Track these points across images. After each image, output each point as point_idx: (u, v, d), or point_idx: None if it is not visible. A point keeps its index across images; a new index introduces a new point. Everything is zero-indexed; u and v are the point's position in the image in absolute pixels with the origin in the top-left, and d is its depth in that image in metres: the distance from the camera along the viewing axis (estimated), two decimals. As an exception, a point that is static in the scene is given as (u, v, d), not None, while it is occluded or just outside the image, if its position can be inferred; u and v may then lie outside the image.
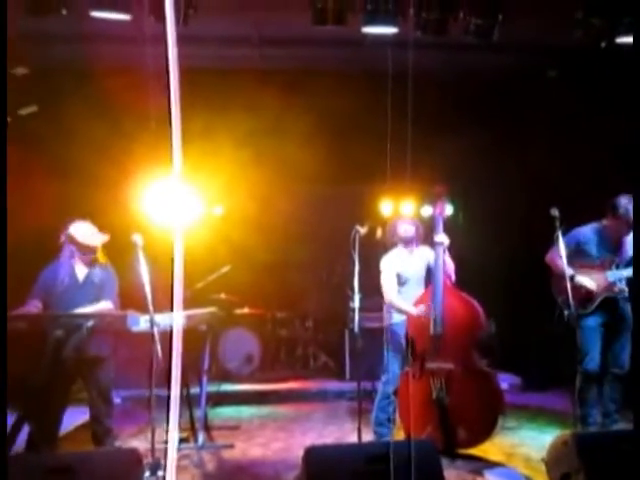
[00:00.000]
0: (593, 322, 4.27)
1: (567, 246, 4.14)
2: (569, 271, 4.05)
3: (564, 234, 4.03)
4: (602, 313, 4.27)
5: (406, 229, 4.53)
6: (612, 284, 4.21)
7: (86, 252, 4.01)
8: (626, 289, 4.22)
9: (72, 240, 3.97)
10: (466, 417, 4.03)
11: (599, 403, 4.32)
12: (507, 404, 4.66)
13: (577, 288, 4.17)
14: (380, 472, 2.71)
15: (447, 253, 4.34)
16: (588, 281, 4.24)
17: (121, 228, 4.24)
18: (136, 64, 4.55)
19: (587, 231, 4.38)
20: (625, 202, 4.14)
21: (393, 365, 4.42)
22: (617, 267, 4.22)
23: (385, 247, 4.71)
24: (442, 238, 4.29)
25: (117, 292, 4.16)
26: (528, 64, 6.10)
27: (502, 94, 6.53)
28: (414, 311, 4.25)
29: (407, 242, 4.54)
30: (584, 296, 4.24)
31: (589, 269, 4.27)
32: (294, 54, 6.11)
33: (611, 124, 5.34)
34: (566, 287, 4.00)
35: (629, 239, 4.21)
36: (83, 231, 3.99)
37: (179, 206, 1.51)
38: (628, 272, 4.18)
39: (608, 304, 4.24)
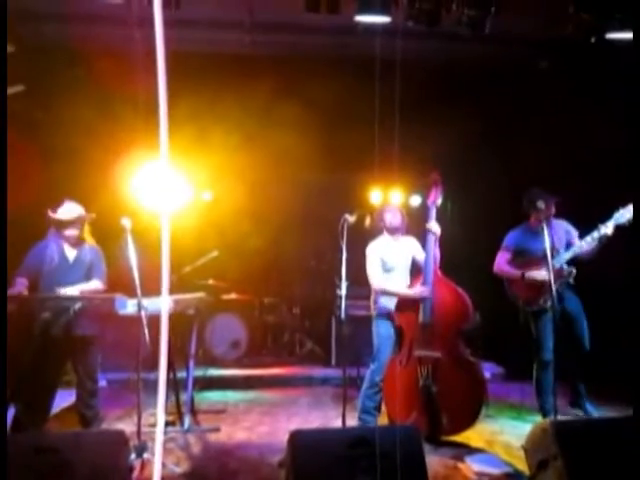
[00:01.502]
0: (547, 316, 4.53)
1: (508, 250, 4.74)
2: (517, 272, 4.58)
3: (549, 226, 4.23)
4: (555, 308, 4.39)
5: (393, 217, 4.56)
6: (560, 269, 4.46)
7: (59, 228, 3.99)
8: (573, 270, 4.50)
9: (49, 220, 3.98)
10: (451, 405, 4.09)
11: (554, 392, 4.36)
12: (489, 393, 4.74)
13: (531, 286, 4.53)
14: (363, 456, 2.77)
15: (436, 243, 4.37)
16: (538, 274, 4.47)
17: (110, 211, 4.24)
18: (127, 46, 4.52)
19: (520, 232, 4.79)
20: (536, 193, 4.56)
21: (383, 354, 4.46)
22: (558, 253, 4.51)
23: (373, 234, 4.74)
24: (435, 226, 4.32)
25: (105, 272, 4.17)
26: (519, 55, 6.11)
27: (492, 85, 6.54)
28: (411, 292, 4.30)
29: (393, 230, 4.57)
30: (540, 292, 4.50)
31: (535, 264, 4.54)
32: (286, 40, 6.06)
33: (601, 117, 5.39)
34: (520, 288, 4.60)
35: (555, 224, 4.58)
36: (61, 209, 4.00)
37: (167, 190, 1.51)
38: (568, 254, 4.52)
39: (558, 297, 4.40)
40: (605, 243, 4.40)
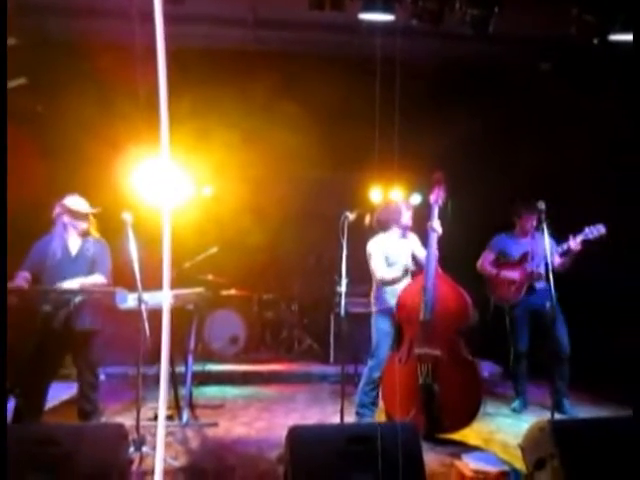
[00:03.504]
0: (521, 311, 5.02)
1: (492, 250, 5.21)
2: (494, 270, 5.10)
3: (549, 227, 4.31)
4: (528, 305, 4.96)
5: (410, 216, 4.60)
6: (530, 272, 4.92)
7: (78, 219, 4.03)
8: (543, 274, 4.86)
9: (65, 208, 4.00)
10: (450, 403, 4.11)
11: (526, 377, 5.13)
12: (487, 391, 4.76)
13: (505, 284, 5.03)
14: (362, 452, 2.78)
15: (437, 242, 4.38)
16: (510, 273, 5.03)
17: (111, 206, 4.24)
18: (130, 41, 4.51)
19: (504, 237, 5.23)
20: (519, 205, 5.08)
21: (382, 351, 4.47)
22: (532, 259, 4.95)
23: (373, 231, 4.74)
24: (437, 225, 4.33)
25: (110, 267, 4.17)
26: (521, 56, 6.11)
27: (493, 85, 6.53)
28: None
29: (405, 227, 4.59)
30: (513, 290, 5.01)
31: (511, 265, 5.08)
32: (289, 37, 6.06)
33: (602, 119, 5.40)
34: (495, 285, 5.10)
35: (538, 237, 4.88)
36: (75, 200, 4.05)
37: (167, 186, 1.52)
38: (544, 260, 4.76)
39: (534, 297, 4.93)
40: (573, 257, 4.70)
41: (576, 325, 4.89)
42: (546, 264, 4.47)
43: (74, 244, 4.07)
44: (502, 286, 5.07)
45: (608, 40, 4.25)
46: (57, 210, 4.03)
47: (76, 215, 4.02)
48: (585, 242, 4.60)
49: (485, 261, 5.18)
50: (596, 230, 4.56)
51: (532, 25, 5.19)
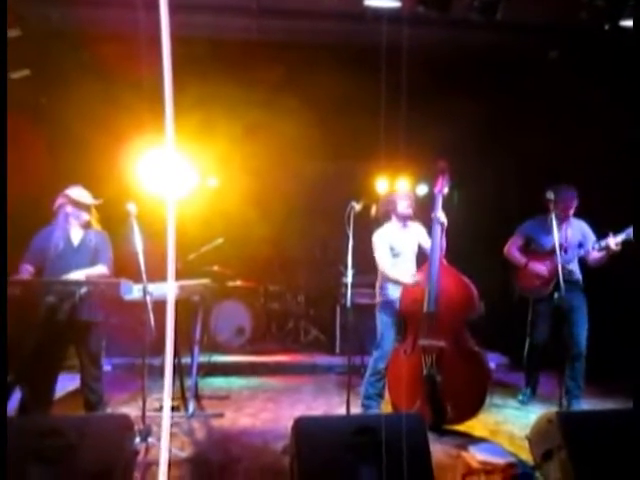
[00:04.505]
0: (545, 307, 4.77)
1: (520, 236, 4.94)
2: (522, 260, 4.85)
3: (564, 221, 4.24)
4: (554, 300, 4.45)
5: (404, 204, 4.55)
6: (561, 267, 4.34)
7: (81, 210, 4.03)
8: (575, 270, 4.71)
9: (68, 198, 4.00)
10: (455, 394, 4.09)
11: (539, 369, 5.06)
12: (494, 382, 4.74)
13: (533, 276, 4.79)
14: (368, 444, 2.76)
15: (443, 233, 4.35)
16: (538, 266, 4.76)
17: (115, 197, 4.22)
18: (133, 31, 4.48)
19: (534, 223, 4.92)
20: (553, 186, 4.49)
21: (386, 342, 4.46)
22: (565, 252, 4.62)
23: (378, 222, 4.73)
24: (442, 216, 4.29)
25: (112, 258, 4.17)
26: (529, 44, 6.03)
27: (501, 74, 6.47)
28: (408, 280, 4.31)
29: (403, 217, 4.56)
30: (538, 284, 4.78)
31: (542, 257, 4.76)
32: (293, 26, 6.00)
33: (611, 109, 5.32)
34: (522, 275, 4.86)
35: (572, 222, 4.70)
36: (79, 191, 4.06)
37: (172, 176, 1.50)
38: (577, 253, 4.66)
39: (560, 292, 4.38)
40: (612, 254, 4.43)
41: (593, 320, 4.80)
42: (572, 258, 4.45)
43: (76, 235, 4.06)
44: (529, 277, 4.84)
45: (619, 26, 4.17)
46: (60, 201, 4.02)
47: (79, 206, 4.02)
48: (625, 243, 4.33)
49: (513, 246, 4.93)
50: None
51: (541, 11, 5.11)
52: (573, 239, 4.72)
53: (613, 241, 4.35)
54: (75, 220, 4.04)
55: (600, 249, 4.49)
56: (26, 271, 3.85)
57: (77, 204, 4.01)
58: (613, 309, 5.32)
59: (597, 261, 4.58)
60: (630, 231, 4.27)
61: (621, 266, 4.61)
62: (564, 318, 4.50)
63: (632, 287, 4.92)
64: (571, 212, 4.69)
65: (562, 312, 4.47)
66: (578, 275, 4.77)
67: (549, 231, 4.46)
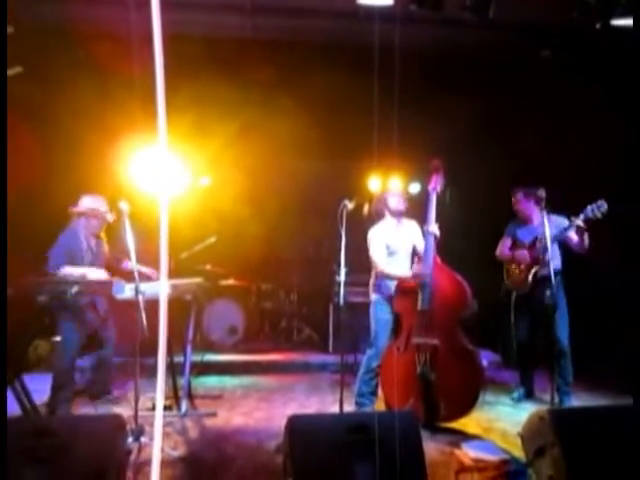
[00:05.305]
0: (521, 300, 5.01)
1: (509, 238, 5.18)
2: (510, 253, 5.08)
3: (549, 214, 4.31)
4: (530, 294, 4.90)
5: (396, 201, 4.56)
6: (537, 258, 4.82)
7: (102, 225, 4.38)
8: (555, 262, 4.70)
9: (98, 213, 4.30)
10: (448, 392, 4.10)
11: (530, 367, 5.17)
12: (486, 380, 4.76)
13: (516, 270, 5.01)
14: (361, 442, 2.77)
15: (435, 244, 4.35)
16: (522, 252, 4.98)
17: (107, 195, 4.22)
18: (126, 29, 4.46)
19: (513, 223, 5.21)
20: (516, 189, 5.07)
21: (380, 340, 4.47)
22: (541, 242, 4.77)
23: (372, 221, 4.73)
24: (434, 228, 4.30)
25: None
26: (521, 43, 6.04)
27: (493, 72, 6.48)
28: (409, 273, 4.33)
29: (397, 214, 4.57)
30: (520, 275, 4.97)
31: (523, 249, 5.02)
32: (286, 25, 5.99)
33: (603, 107, 5.35)
34: (508, 271, 5.09)
35: (552, 219, 4.62)
36: (104, 206, 4.37)
37: (165, 175, 1.50)
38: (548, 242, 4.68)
39: (537, 286, 4.82)
40: (582, 233, 4.57)
41: (578, 316, 4.85)
42: (546, 250, 4.46)
43: (93, 242, 4.38)
44: (513, 271, 5.04)
45: (610, 25, 4.19)
46: (91, 211, 4.28)
47: (103, 222, 4.37)
48: (588, 220, 4.47)
49: (504, 247, 5.16)
50: (597, 207, 4.40)
51: (533, 10, 5.13)
52: (550, 232, 4.70)
53: (578, 220, 4.51)
54: (93, 230, 4.35)
55: (567, 230, 4.61)
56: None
57: (103, 220, 4.32)
58: (593, 303, 5.40)
59: (579, 244, 4.64)
60: (589, 209, 4.43)
61: (605, 262, 4.70)
62: (545, 316, 4.53)
63: (614, 279, 5.14)
64: (537, 208, 4.71)
65: (542, 310, 4.59)
66: (558, 266, 4.81)
67: (527, 228, 5.01)
